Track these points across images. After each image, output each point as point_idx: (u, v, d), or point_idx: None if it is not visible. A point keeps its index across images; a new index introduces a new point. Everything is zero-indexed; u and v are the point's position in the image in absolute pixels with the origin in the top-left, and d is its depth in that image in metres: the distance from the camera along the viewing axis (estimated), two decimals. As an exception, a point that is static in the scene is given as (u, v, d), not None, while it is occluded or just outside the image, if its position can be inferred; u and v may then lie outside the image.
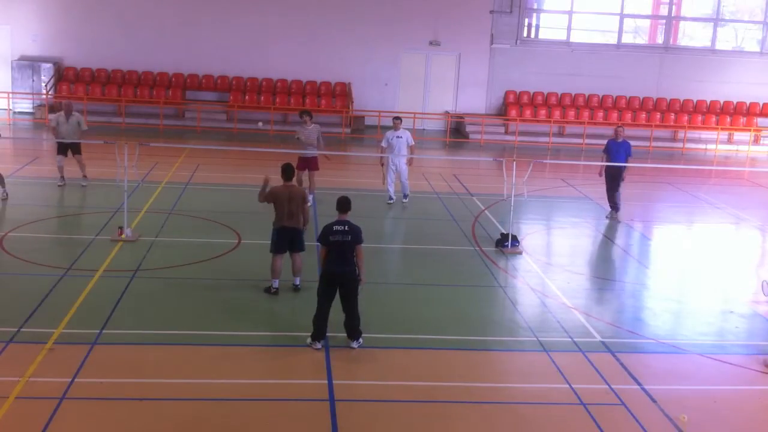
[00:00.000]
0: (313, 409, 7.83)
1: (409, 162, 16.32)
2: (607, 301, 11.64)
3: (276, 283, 10.78)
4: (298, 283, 10.90)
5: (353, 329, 9.22)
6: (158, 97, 26.02)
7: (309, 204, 11.66)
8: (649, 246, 15.18)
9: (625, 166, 15.84)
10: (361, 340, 9.25)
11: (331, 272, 9.12)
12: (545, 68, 27.95)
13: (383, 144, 16.44)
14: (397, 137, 16.25)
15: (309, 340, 9.21)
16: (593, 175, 17.50)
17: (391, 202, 16.51)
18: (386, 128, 24.36)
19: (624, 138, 16.22)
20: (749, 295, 12.34)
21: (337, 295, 9.21)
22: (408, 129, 17.38)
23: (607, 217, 16.25)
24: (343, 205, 9.38)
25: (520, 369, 9.20)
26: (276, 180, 10.88)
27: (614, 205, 16.14)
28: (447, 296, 11.27)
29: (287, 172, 10.76)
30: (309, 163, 15.76)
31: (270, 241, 10.82)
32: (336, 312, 9.27)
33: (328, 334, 9.35)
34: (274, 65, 27.06)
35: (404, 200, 16.57)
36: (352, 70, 27.34)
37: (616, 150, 15.97)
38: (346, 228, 9.14)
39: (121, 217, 13.16)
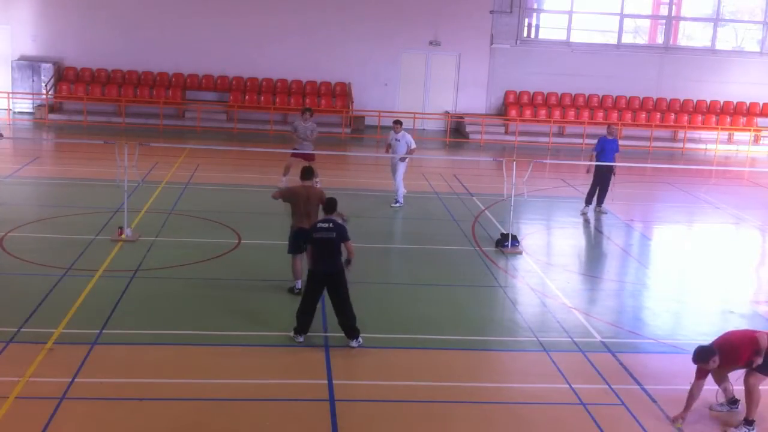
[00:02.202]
0: (313, 409, 7.83)
1: (402, 159, 16.20)
2: (607, 301, 11.64)
3: (299, 284, 10.76)
4: None
5: (350, 328, 9.21)
6: (158, 97, 26.01)
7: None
8: (649, 246, 15.18)
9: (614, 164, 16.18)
10: (360, 339, 9.24)
11: (317, 272, 9.15)
12: (545, 68, 27.94)
13: (389, 142, 16.57)
14: (396, 140, 16.28)
15: (292, 333, 9.25)
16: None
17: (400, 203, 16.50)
18: (386, 128, 24.40)
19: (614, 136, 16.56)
20: (749, 295, 12.35)
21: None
22: (407, 130, 17.33)
23: (583, 213, 16.36)
24: (331, 205, 9.47)
25: (520, 369, 9.19)
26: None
27: (600, 200, 16.36)
28: (447, 296, 11.26)
29: (306, 173, 10.77)
30: (303, 155, 16.18)
31: (287, 242, 10.81)
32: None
33: (327, 334, 9.36)
34: (274, 65, 27.04)
35: (393, 204, 16.29)
36: (352, 70, 27.33)
37: (609, 148, 16.22)
38: (331, 225, 9.16)
39: (121, 217, 13.16)
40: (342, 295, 9.16)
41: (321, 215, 10.41)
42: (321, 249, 9.10)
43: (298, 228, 10.58)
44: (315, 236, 9.12)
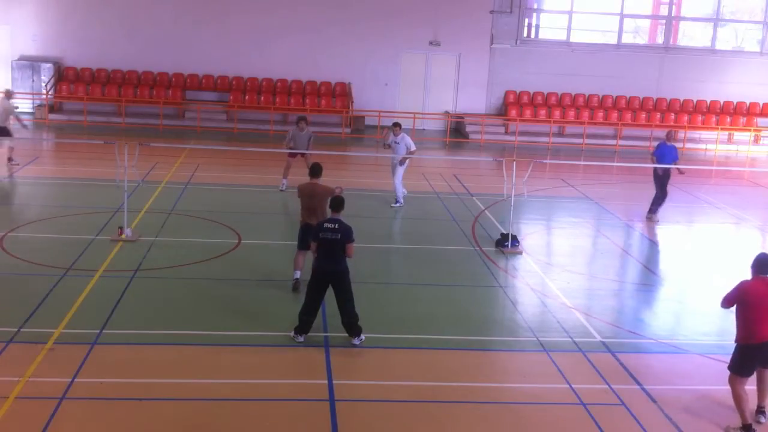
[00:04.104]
0: (313, 409, 7.84)
1: (402, 161, 16.22)
2: (607, 301, 11.63)
3: (297, 274, 10.92)
4: None
5: (353, 327, 9.23)
6: (158, 97, 26.00)
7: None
8: (650, 246, 15.18)
9: (670, 169, 16.25)
10: (362, 336, 9.25)
11: (321, 270, 9.17)
12: (545, 68, 27.93)
13: (388, 142, 16.60)
14: (395, 142, 16.30)
15: (292, 333, 9.26)
16: (593, 175, 17.44)
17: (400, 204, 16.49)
18: (386, 129, 24.40)
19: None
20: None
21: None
22: (407, 130, 17.34)
23: (650, 217, 16.34)
24: (336, 204, 9.46)
25: (520, 369, 9.20)
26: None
27: (656, 207, 16.36)
28: (447, 296, 11.27)
29: (312, 170, 10.92)
30: (300, 153, 16.56)
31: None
32: (337, 312, 9.28)
33: (327, 334, 9.36)
34: (274, 65, 27.04)
35: (393, 204, 16.32)
36: (352, 70, 27.32)
37: (669, 154, 16.20)
38: (336, 226, 9.17)
39: (121, 217, 13.16)
40: (345, 294, 9.17)
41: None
42: (325, 248, 9.13)
43: (304, 224, 10.69)
44: (321, 236, 9.15)
